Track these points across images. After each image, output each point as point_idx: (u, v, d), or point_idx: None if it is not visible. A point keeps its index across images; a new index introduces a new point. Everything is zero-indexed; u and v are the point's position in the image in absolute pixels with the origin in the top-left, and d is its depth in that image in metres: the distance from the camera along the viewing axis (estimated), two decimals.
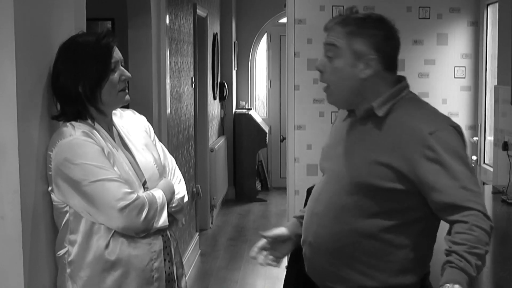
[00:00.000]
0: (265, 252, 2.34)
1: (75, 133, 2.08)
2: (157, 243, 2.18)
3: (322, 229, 2.13)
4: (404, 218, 2.04)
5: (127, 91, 2.22)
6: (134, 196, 2.07)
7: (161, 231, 2.19)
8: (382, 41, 2.06)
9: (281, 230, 2.36)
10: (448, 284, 1.83)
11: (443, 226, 2.01)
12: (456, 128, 2.04)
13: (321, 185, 2.21)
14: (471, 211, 1.91)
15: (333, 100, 2.16)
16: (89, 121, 2.15)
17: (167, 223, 2.17)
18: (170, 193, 2.24)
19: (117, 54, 2.17)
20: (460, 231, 1.90)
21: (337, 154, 2.17)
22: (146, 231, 2.12)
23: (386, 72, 2.08)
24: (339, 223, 2.10)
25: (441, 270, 1.89)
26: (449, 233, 1.93)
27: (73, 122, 2.12)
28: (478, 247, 1.87)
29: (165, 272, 2.21)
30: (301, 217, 2.30)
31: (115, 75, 2.15)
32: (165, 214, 2.17)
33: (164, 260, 2.20)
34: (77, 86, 2.11)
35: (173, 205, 2.24)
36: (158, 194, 2.17)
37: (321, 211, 2.15)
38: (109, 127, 2.24)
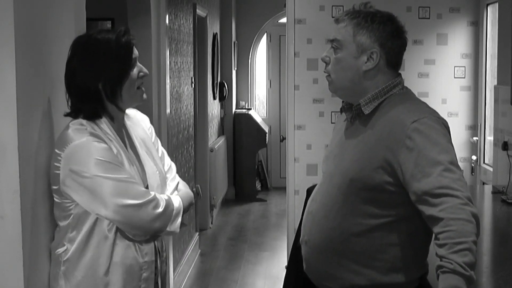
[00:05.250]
0: None
1: (87, 135, 2.07)
2: (149, 254, 2.18)
3: (315, 228, 2.16)
4: (393, 217, 2.05)
5: (143, 89, 2.22)
6: (151, 195, 2.10)
7: (155, 238, 2.21)
8: (387, 37, 2.10)
9: None
10: None
11: None
12: (440, 119, 2.04)
13: (318, 185, 2.25)
14: (445, 198, 1.86)
15: (334, 89, 2.19)
16: (104, 119, 2.15)
17: (178, 230, 2.20)
18: (188, 203, 2.28)
19: (135, 51, 2.19)
20: (439, 231, 1.85)
21: (333, 155, 2.20)
22: (158, 232, 2.15)
23: (388, 68, 2.12)
24: (329, 221, 2.12)
25: (436, 276, 1.85)
26: (435, 237, 1.89)
27: (84, 122, 2.11)
28: (462, 241, 1.80)
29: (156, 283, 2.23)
30: None
31: (134, 71, 2.16)
32: (179, 220, 2.19)
33: (156, 261, 2.22)
34: (98, 83, 2.10)
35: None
36: (176, 199, 2.21)
37: (315, 209, 2.18)
38: (120, 127, 2.23)
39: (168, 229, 2.15)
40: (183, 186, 2.38)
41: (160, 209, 2.10)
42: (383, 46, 2.09)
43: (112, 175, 2.04)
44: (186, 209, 2.26)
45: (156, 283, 2.24)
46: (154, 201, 2.10)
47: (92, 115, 2.13)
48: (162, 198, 2.14)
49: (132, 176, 2.11)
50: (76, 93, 2.13)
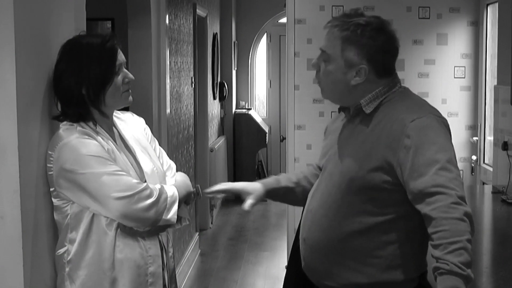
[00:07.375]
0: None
1: (76, 133, 2.09)
2: (153, 248, 2.18)
3: (314, 226, 2.17)
4: (392, 215, 2.05)
5: (130, 91, 2.22)
6: (142, 185, 2.09)
7: (158, 231, 2.20)
8: (377, 51, 2.05)
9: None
10: None
11: None
12: (440, 118, 2.04)
13: (317, 183, 2.25)
14: (439, 196, 1.86)
15: (325, 96, 2.21)
16: (91, 123, 2.16)
17: (175, 219, 2.17)
18: (185, 192, 2.27)
19: (120, 56, 2.18)
20: (433, 231, 1.85)
21: (332, 153, 2.20)
22: (155, 223, 2.13)
23: (379, 78, 2.09)
24: (329, 220, 2.12)
25: (434, 278, 1.85)
26: (430, 237, 1.89)
27: (74, 124, 2.13)
28: (455, 241, 1.80)
29: (164, 279, 2.21)
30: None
31: (119, 78, 2.16)
32: (175, 208, 2.17)
33: (162, 269, 2.21)
34: (81, 88, 2.11)
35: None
36: (171, 188, 2.20)
37: (314, 208, 2.18)
38: (110, 128, 2.24)
39: (164, 217, 2.13)
40: (180, 176, 2.38)
41: (153, 198, 2.10)
42: (372, 61, 2.05)
43: (102, 169, 2.05)
44: (183, 198, 2.25)
45: (164, 278, 2.23)
46: (147, 191, 2.09)
47: (77, 119, 2.13)
48: (155, 187, 2.14)
49: (123, 170, 2.11)
50: (62, 97, 2.15)
